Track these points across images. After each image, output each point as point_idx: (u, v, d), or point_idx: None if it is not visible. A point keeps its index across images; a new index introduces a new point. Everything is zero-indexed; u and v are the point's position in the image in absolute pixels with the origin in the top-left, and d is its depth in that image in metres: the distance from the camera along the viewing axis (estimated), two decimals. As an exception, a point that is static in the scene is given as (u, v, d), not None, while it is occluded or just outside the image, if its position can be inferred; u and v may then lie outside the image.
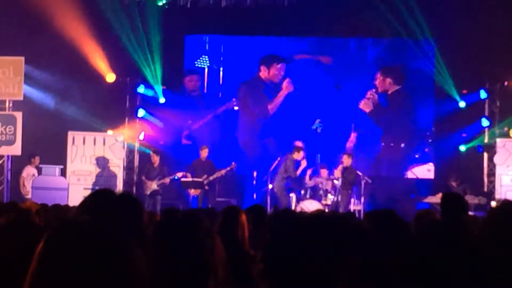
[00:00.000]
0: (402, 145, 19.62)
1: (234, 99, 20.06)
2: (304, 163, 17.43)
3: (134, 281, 1.64)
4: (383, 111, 19.88)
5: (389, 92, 19.93)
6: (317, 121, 19.79)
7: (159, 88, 18.87)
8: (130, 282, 1.63)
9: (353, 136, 19.54)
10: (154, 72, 18.72)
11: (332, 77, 19.87)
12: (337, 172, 17.12)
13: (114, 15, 18.16)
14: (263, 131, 19.97)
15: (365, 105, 19.94)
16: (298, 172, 17.35)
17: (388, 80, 19.92)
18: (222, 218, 5.81)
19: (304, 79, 19.94)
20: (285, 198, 17.08)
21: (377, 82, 20.00)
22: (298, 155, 17.34)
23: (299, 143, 18.18)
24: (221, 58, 20.18)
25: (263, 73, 20.01)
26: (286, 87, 19.99)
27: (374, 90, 19.92)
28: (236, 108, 20.12)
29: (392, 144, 19.49)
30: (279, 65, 19.97)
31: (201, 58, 20.13)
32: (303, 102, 19.87)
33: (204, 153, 17.73)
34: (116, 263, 1.62)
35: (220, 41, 20.14)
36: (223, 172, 17.52)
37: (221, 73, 20.24)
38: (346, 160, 17.03)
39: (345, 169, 16.93)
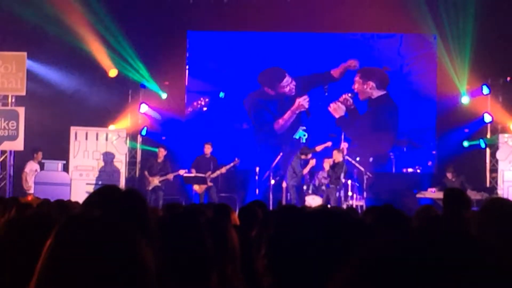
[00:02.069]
0: (371, 159, 18.31)
1: (202, 99, 19.28)
2: (312, 162, 17.14)
3: (143, 275, 1.66)
4: (356, 119, 18.56)
5: (372, 98, 18.74)
6: (301, 129, 18.66)
7: (152, 85, 18.83)
8: (139, 276, 1.65)
9: (343, 146, 18.00)
10: (137, 68, 18.68)
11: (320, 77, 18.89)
12: (326, 165, 16.94)
13: (112, 10, 18.15)
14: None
15: (336, 110, 18.61)
16: (306, 170, 17.19)
17: (370, 84, 18.64)
18: (213, 215, 5.71)
19: (309, 72, 19.18)
20: (294, 196, 17.01)
21: (356, 87, 18.66)
22: (305, 156, 17.24)
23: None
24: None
25: (269, 91, 19.12)
26: (300, 105, 18.84)
27: (350, 94, 18.60)
28: (205, 108, 19.30)
29: (358, 159, 17.52)
30: (284, 81, 18.96)
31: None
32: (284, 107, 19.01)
33: (208, 149, 17.70)
34: (126, 258, 1.64)
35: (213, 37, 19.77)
36: (227, 167, 17.50)
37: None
38: (336, 156, 16.81)
39: (335, 164, 16.79)
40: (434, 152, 19.05)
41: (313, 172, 17.43)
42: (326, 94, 18.92)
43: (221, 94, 19.37)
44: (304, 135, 18.50)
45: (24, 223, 2.61)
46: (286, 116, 19.04)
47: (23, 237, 2.48)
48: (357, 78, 18.78)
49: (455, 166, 17.26)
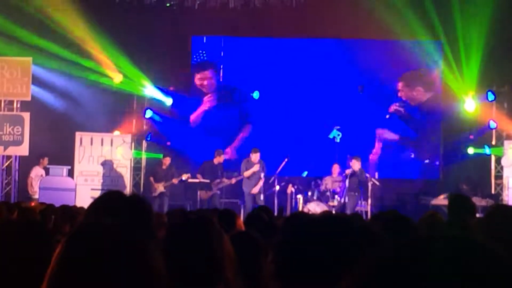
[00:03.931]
0: (427, 161, 18.55)
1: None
2: (256, 168, 17.05)
3: (155, 282, 1.67)
4: (414, 124, 18.61)
5: (423, 102, 18.62)
6: (335, 128, 18.07)
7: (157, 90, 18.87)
8: (151, 283, 1.65)
9: (377, 147, 17.78)
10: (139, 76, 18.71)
11: (352, 77, 18.68)
12: (334, 170, 16.93)
13: (117, 15, 18.17)
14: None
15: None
16: (248, 173, 17.06)
17: (418, 89, 18.54)
18: (218, 221, 5.71)
19: (319, 79, 18.98)
20: (248, 204, 16.85)
21: (402, 94, 18.52)
22: (253, 157, 17.24)
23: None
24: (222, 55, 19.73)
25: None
26: (204, 103, 19.31)
27: (398, 104, 18.43)
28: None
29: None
30: (199, 74, 19.30)
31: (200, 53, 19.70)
32: (318, 106, 18.72)
33: (220, 158, 17.66)
34: (138, 265, 1.64)
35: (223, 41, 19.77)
36: (237, 179, 17.46)
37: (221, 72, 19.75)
38: (355, 164, 16.71)
39: (354, 172, 16.72)
40: (438, 158, 19.01)
41: (322, 176, 17.32)
42: (361, 93, 18.65)
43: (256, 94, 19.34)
44: (339, 135, 17.95)
45: (5, 228, 2.61)
46: (195, 113, 19.40)
47: (6, 242, 2.48)
48: (401, 87, 18.57)
49: (468, 175, 17.21)
